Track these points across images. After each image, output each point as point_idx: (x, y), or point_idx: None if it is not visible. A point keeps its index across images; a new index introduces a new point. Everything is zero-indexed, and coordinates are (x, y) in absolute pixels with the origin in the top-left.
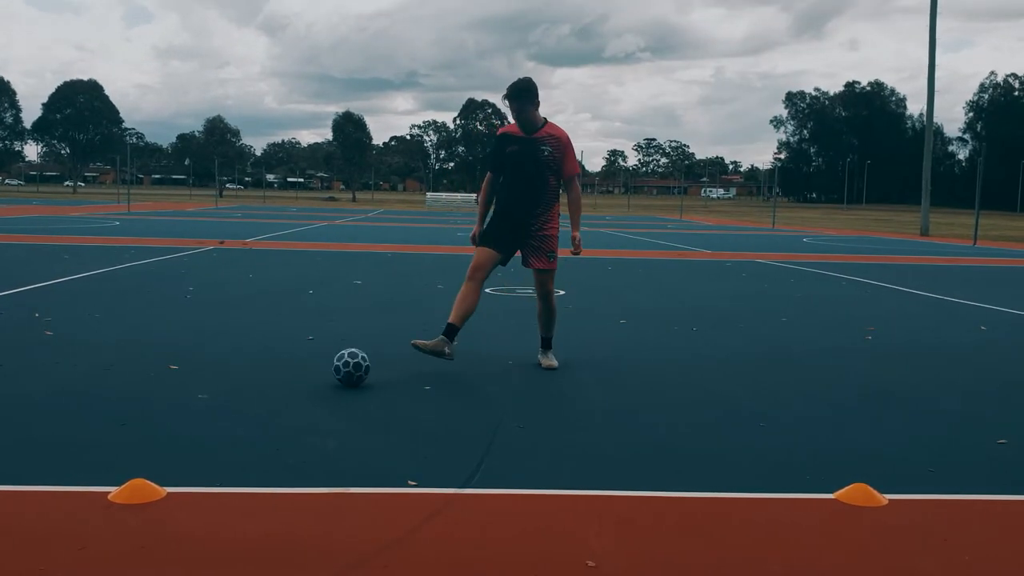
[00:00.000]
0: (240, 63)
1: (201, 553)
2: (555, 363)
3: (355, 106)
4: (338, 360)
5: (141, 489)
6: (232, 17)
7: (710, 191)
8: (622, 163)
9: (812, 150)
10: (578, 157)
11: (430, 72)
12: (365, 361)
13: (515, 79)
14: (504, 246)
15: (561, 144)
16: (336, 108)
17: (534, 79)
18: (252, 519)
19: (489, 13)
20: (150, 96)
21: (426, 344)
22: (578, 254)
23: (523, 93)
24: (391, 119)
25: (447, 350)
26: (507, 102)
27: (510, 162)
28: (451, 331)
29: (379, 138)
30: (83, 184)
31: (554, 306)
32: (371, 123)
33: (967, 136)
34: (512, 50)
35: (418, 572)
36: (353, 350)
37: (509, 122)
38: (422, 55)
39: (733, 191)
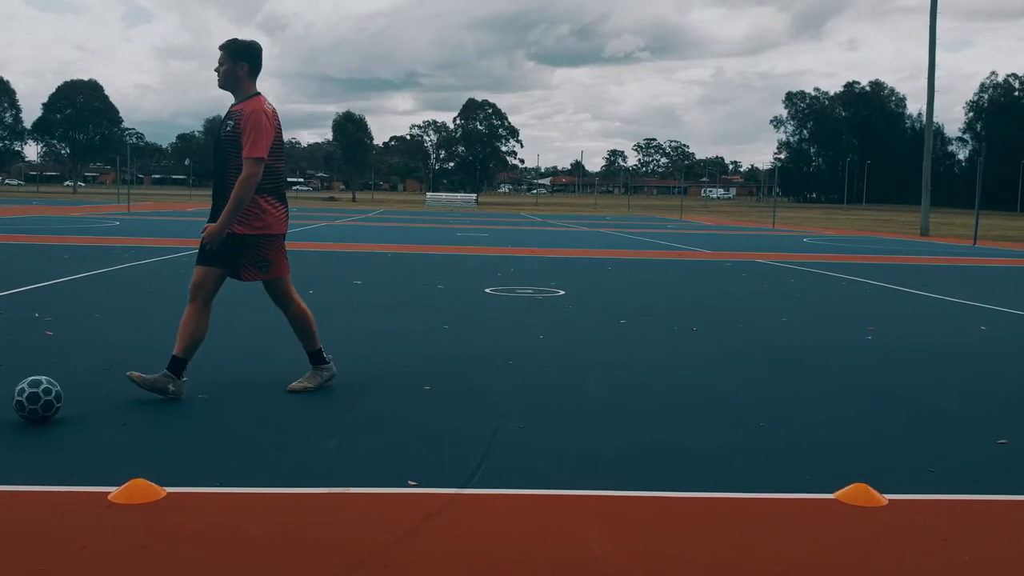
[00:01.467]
0: None
1: (201, 553)
2: (309, 385)
3: (355, 106)
4: (19, 395)
5: (141, 489)
6: (232, 17)
7: (710, 191)
8: (622, 163)
9: (812, 150)
10: (577, 157)
11: (430, 72)
12: (48, 394)
13: (491, 76)
14: (220, 257)
15: (244, 118)
16: (336, 108)
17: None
18: (252, 519)
19: (489, 13)
20: (150, 96)
21: (145, 379)
22: (263, 264)
23: (232, 45)
24: (391, 119)
25: (171, 387)
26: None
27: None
28: (176, 365)
29: (379, 138)
30: (83, 184)
31: (301, 311)
32: (371, 123)
33: (967, 136)
34: (512, 50)
35: (418, 572)
36: (33, 379)
37: (507, 122)
38: (422, 55)
39: (733, 191)
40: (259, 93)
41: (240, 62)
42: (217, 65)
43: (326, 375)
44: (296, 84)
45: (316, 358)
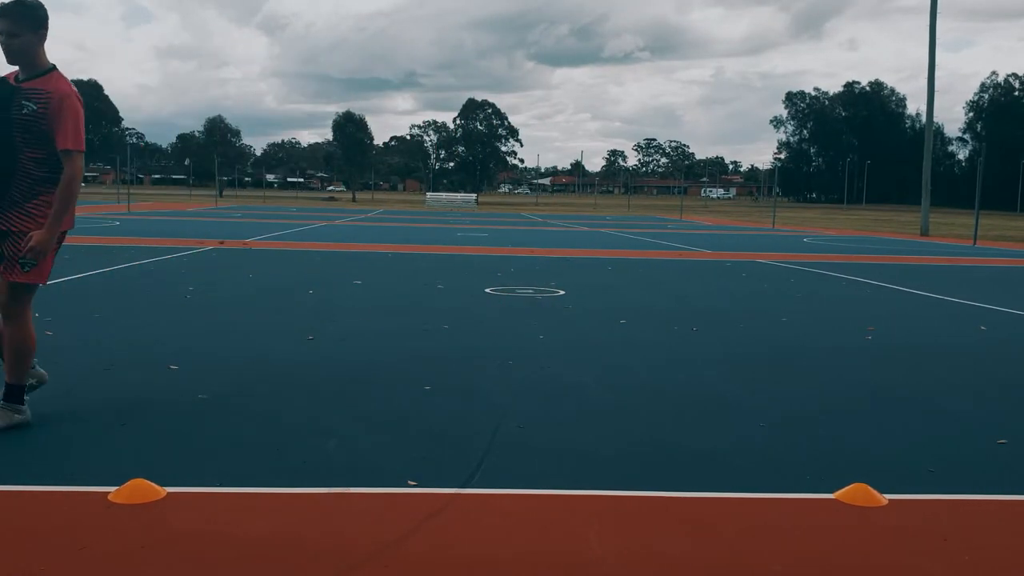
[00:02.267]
0: (240, 63)
1: (201, 553)
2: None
3: (354, 106)
4: None
5: (141, 489)
6: (232, 17)
7: (710, 191)
8: (622, 163)
9: (812, 150)
10: (578, 157)
11: (430, 72)
12: None
13: (491, 76)
14: None
15: (54, 102)
16: (335, 108)
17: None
18: (252, 519)
19: (488, 13)
20: (149, 96)
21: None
22: (26, 263)
23: (28, 9)
24: (391, 119)
25: (17, 417)
26: None
27: None
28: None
29: (379, 138)
30: (83, 184)
31: (23, 335)
32: (371, 123)
33: (967, 136)
34: (511, 50)
35: (418, 572)
36: None
37: (507, 122)
38: (421, 55)
39: (733, 191)
40: (55, 67)
41: (40, 29)
42: (4, 36)
43: (16, 419)
44: (296, 84)
45: (12, 394)
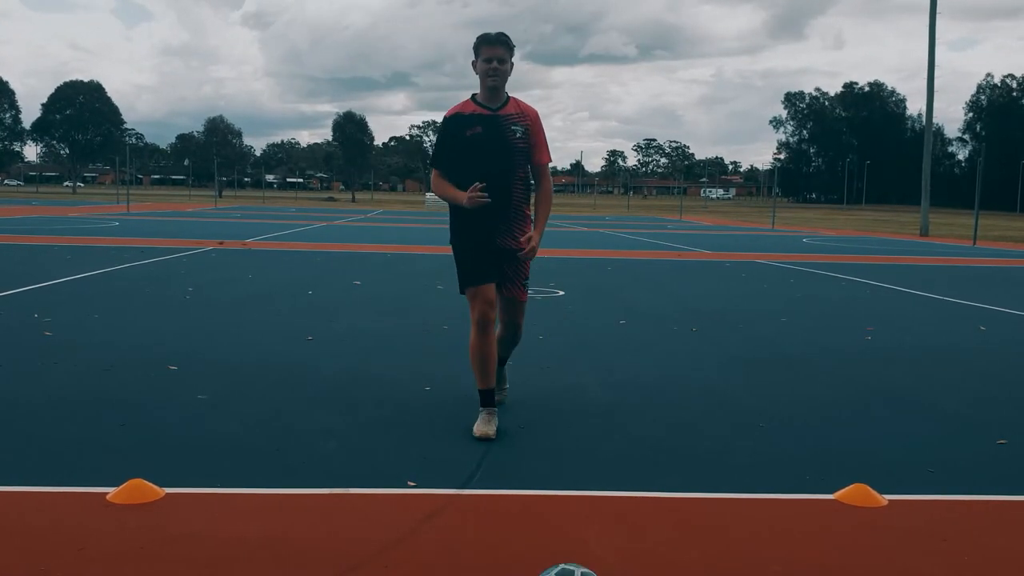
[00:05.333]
0: (238, 63)
1: (200, 553)
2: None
3: (354, 106)
4: None
5: (140, 489)
6: (232, 18)
7: (710, 191)
8: (622, 163)
9: (812, 150)
10: (577, 158)
11: (429, 72)
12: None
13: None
14: (493, 271)
15: (532, 123)
16: (335, 108)
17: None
18: (252, 519)
19: (485, 12)
20: (146, 96)
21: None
22: (528, 259)
23: (509, 40)
24: (390, 119)
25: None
26: (483, 49)
27: (471, 150)
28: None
29: (378, 138)
30: (82, 184)
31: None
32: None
33: (967, 136)
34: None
35: (418, 572)
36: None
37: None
38: (421, 55)
39: (732, 191)
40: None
41: (511, 58)
42: (497, 64)
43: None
44: (293, 84)
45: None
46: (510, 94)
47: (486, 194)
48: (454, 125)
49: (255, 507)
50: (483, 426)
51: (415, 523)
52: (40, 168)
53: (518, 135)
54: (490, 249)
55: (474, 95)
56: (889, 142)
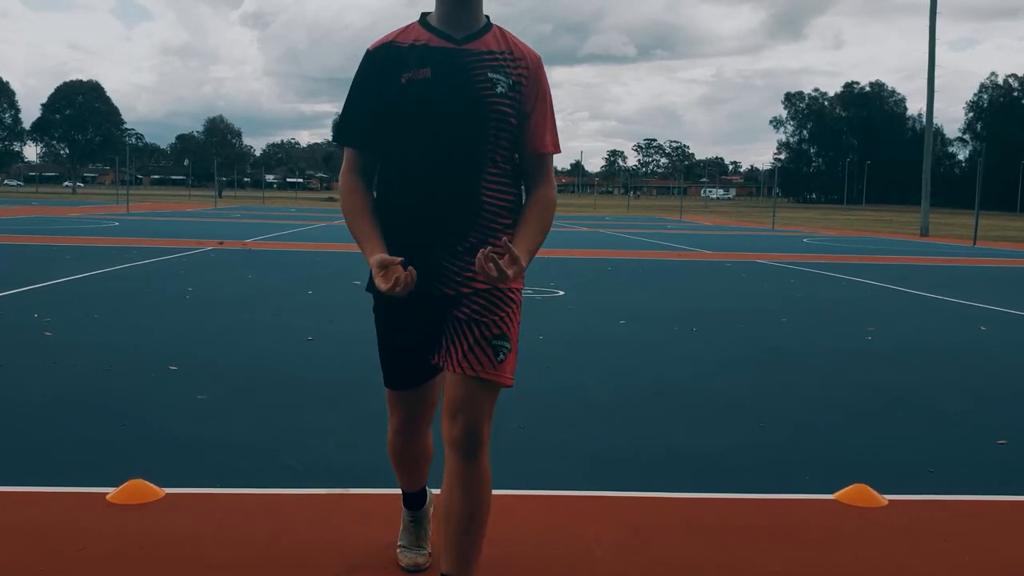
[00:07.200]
0: (237, 63)
1: (200, 554)
2: None
3: None
4: None
5: (139, 489)
6: (232, 18)
7: (710, 191)
8: (622, 163)
9: (812, 150)
10: (577, 158)
11: None
12: None
13: None
14: (413, 331)
15: (529, 76)
16: (335, 108)
17: None
18: (251, 520)
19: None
20: (146, 96)
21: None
22: (499, 283)
23: None
24: None
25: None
26: None
27: (408, 111)
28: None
29: None
30: (82, 184)
31: (485, 495)
32: None
33: (967, 136)
34: None
35: None
36: None
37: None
38: None
39: (733, 192)
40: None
41: None
42: None
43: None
44: (293, 84)
45: None
46: (495, 23)
47: (408, 272)
48: (381, 64)
49: (255, 507)
50: (410, 554)
51: None
52: (40, 168)
53: (499, 88)
54: (429, 307)
55: (425, 15)
56: (889, 142)
